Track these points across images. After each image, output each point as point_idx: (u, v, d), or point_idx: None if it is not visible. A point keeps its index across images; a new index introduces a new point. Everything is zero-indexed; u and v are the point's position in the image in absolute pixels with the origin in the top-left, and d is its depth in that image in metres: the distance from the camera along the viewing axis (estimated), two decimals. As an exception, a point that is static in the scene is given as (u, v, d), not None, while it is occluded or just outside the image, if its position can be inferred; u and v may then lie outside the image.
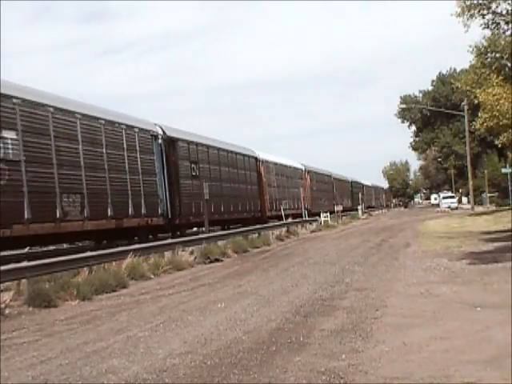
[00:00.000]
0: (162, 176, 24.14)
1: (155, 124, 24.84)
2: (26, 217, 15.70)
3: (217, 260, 18.80)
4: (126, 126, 21.91)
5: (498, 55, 19.90)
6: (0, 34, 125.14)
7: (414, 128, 75.50)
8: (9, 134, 15.56)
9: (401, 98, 74.82)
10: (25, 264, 12.22)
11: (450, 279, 10.86)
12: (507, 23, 18.73)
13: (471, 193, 50.75)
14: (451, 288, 9.78)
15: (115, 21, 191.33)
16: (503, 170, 45.82)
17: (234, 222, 32.22)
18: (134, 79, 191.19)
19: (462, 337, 6.52)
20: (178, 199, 25.20)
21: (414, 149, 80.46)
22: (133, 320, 9.13)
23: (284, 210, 39.98)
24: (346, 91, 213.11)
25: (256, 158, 38.44)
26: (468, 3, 18.24)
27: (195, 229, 29.31)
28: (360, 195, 71.15)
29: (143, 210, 22.02)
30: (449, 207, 58.75)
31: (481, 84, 23.01)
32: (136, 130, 22.58)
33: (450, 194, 72.98)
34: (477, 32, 19.76)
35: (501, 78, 21.11)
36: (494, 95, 21.94)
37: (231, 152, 33.68)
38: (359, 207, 62.91)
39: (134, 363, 6.39)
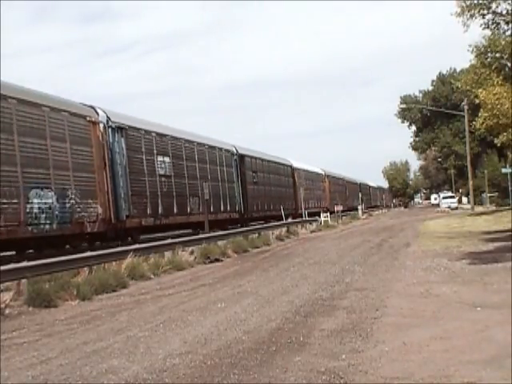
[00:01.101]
0: (237, 183, 33.36)
1: (232, 145, 34.15)
2: (174, 211, 24.50)
3: (217, 260, 18.80)
4: (218, 148, 31.30)
5: (498, 55, 19.89)
6: (0, 33, 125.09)
7: (414, 128, 75.40)
8: (166, 159, 24.62)
9: (401, 97, 74.76)
10: (25, 264, 12.22)
11: (450, 279, 10.85)
12: (507, 23, 18.74)
13: (471, 193, 50.72)
14: (451, 288, 9.76)
15: (117, 21, 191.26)
16: (503, 170, 45.76)
17: (276, 217, 37.79)
18: (134, 79, 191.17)
19: (462, 337, 6.51)
20: (246, 200, 34.07)
21: (414, 149, 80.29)
22: (133, 320, 9.13)
23: (310, 208, 45.68)
24: (345, 91, 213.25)
25: (291, 166, 46.17)
26: (468, 3, 18.23)
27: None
28: (360, 195, 71.53)
29: (228, 208, 31.15)
30: (449, 207, 58.73)
31: (481, 84, 22.99)
32: (223, 150, 31.99)
33: (450, 194, 72.93)
34: (477, 32, 19.78)
35: (501, 77, 21.09)
36: (494, 94, 21.91)
37: (276, 163, 42.53)
38: (359, 207, 62.90)
39: (134, 363, 6.39)
